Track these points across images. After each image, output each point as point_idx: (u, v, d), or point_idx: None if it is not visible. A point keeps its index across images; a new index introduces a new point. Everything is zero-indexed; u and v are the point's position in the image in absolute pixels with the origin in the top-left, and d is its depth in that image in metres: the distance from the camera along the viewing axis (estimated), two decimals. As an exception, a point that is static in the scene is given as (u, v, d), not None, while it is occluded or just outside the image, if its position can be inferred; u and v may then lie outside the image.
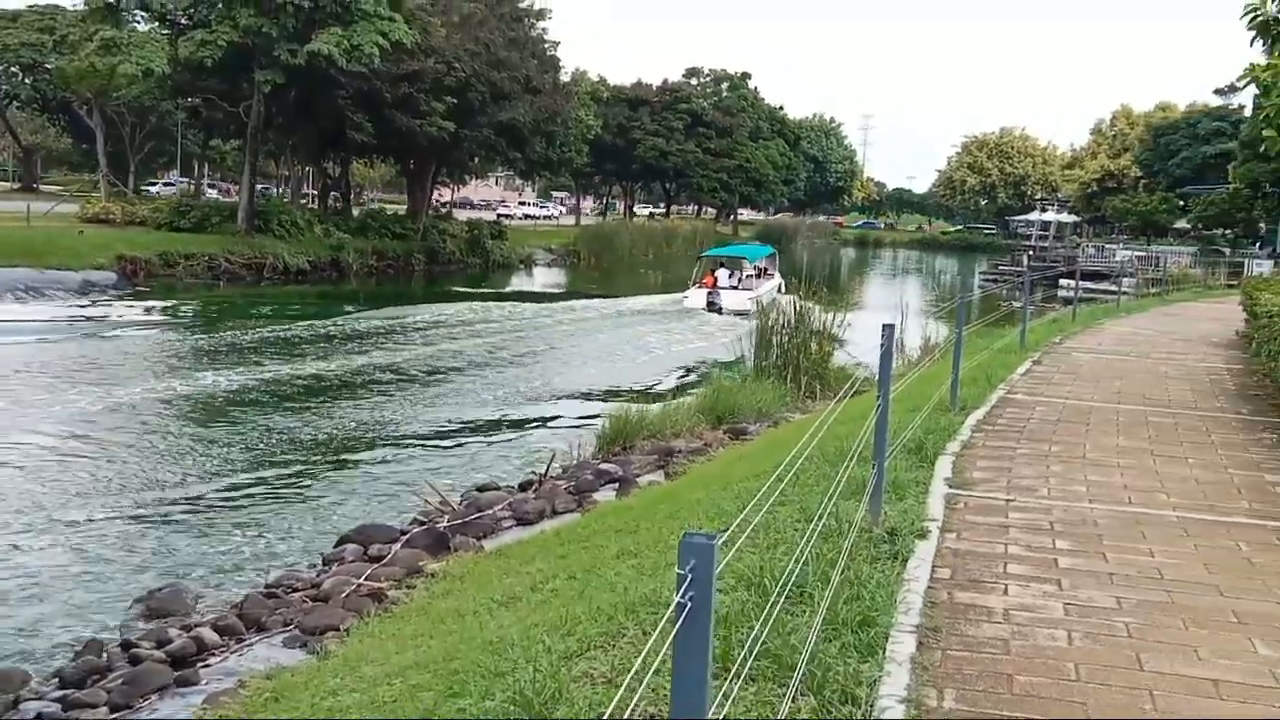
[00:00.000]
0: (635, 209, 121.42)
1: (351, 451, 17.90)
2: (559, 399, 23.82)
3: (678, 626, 2.58)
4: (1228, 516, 8.21)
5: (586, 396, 24.16)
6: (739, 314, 32.99)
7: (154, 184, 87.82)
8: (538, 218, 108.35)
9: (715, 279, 43.56)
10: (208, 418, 19.99)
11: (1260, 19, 11.37)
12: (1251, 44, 11.91)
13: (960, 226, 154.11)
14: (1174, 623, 5.86)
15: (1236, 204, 68.87)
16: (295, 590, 10.79)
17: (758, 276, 45.97)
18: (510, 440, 19.40)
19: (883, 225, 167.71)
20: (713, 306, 40.20)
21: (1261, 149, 12.15)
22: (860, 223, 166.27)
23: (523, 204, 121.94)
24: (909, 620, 5.57)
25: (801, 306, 23.18)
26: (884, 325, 7.43)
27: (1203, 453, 10.61)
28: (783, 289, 41.76)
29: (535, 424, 21.03)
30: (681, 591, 2.56)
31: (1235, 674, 5.18)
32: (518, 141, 63.37)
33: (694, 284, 44.31)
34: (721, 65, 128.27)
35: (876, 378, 7.65)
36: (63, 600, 10.97)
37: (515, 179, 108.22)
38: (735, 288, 42.81)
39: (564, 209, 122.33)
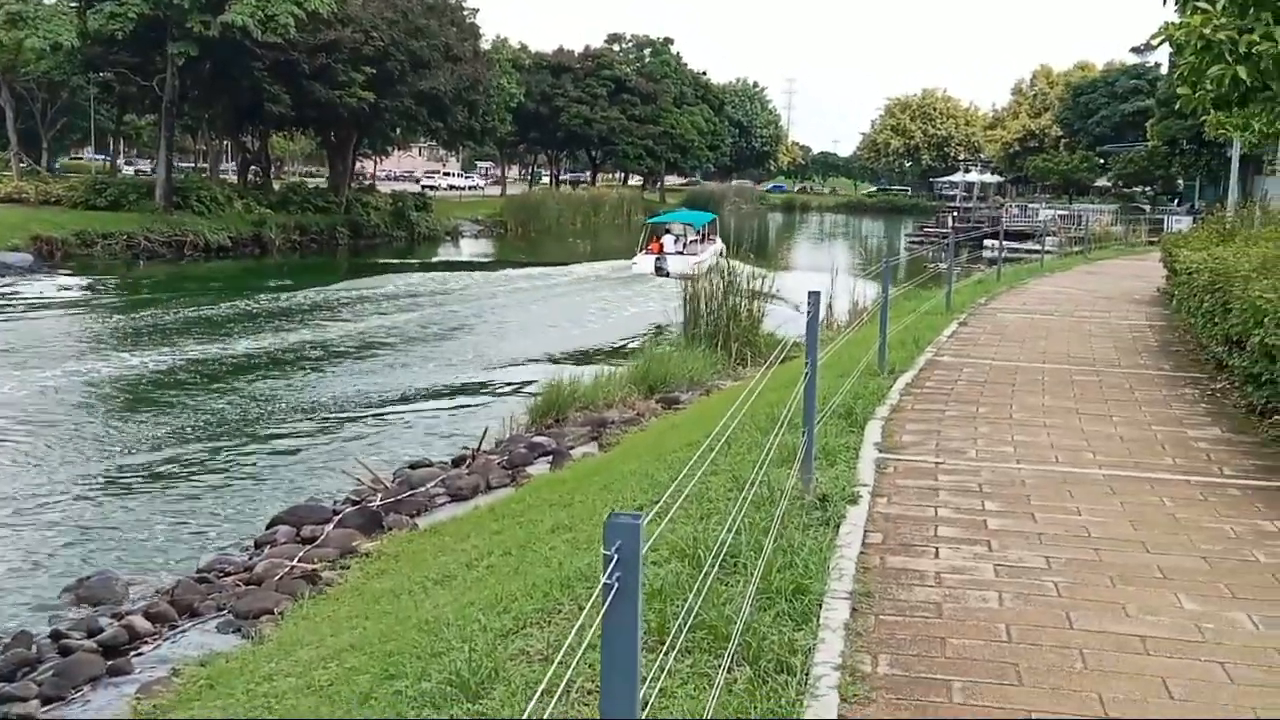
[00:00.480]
0: (561, 177, 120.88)
1: (281, 431, 17.74)
2: (493, 371, 23.77)
3: (605, 607, 2.59)
4: (1152, 473, 8.37)
5: (520, 368, 24.13)
6: (685, 277, 33.48)
7: (77, 158, 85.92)
8: (463, 189, 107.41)
9: (661, 245, 45.25)
10: (132, 400, 19.70)
11: (1174, -22, 11.50)
12: (1164, 3, 12.06)
13: (878, 188, 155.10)
14: (1102, 580, 5.98)
15: (1155, 161, 69.85)
16: (228, 574, 10.70)
17: (700, 241, 47.54)
18: (443, 415, 19.32)
19: (791, 189, 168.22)
20: (660, 271, 41.30)
21: (1177, 106, 12.32)
22: (770, 185, 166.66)
23: (447, 175, 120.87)
24: (842, 586, 5.64)
25: (730, 273, 23.24)
26: (809, 293, 7.48)
27: (1127, 410, 10.80)
28: (723, 253, 40.87)
29: (468, 398, 20.96)
30: (608, 572, 2.56)
31: (1162, 629, 5.30)
32: (439, 111, 62.81)
33: (641, 250, 45.90)
34: (644, 31, 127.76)
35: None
36: (-14, 592, 10.79)
37: (439, 150, 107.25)
38: (680, 253, 44.31)
39: (488, 180, 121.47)
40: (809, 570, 5.66)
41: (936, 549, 6.43)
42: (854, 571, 5.89)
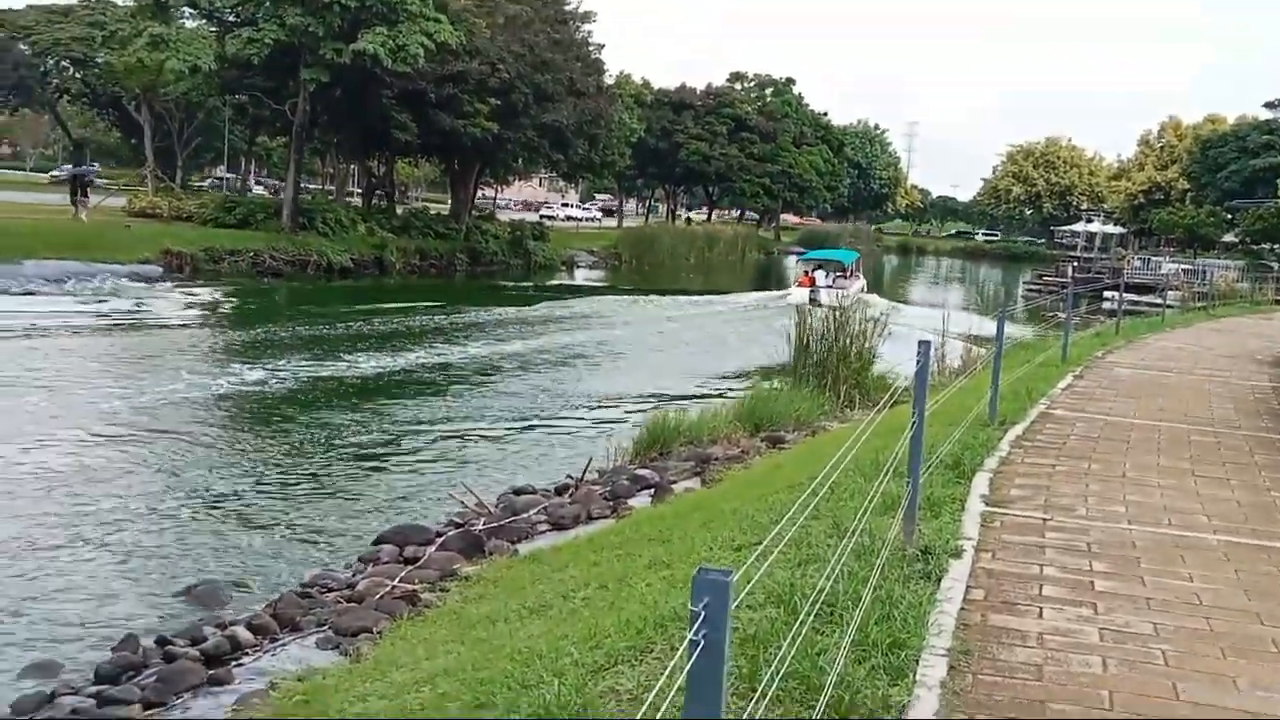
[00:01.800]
0: (678, 212, 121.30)
1: (391, 450, 17.96)
2: (603, 401, 23.82)
3: (690, 663, 2.53)
4: (1269, 541, 8.09)
5: (630, 398, 24.15)
6: (836, 307, 36.60)
7: (205, 181, 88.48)
8: (580, 220, 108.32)
9: (813, 279, 50.14)
10: (248, 414, 20.12)
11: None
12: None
13: (998, 235, 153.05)
14: (1212, 651, 5.77)
15: None
16: (330, 590, 10.83)
17: (846, 277, 51.73)
18: (549, 442, 19.41)
19: (908, 231, 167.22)
20: (814, 303, 43.06)
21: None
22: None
23: (565, 205, 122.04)
24: (940, 643, 5.51)
25: (841, 314, 23.05)
26: (919, 343, 7.36)
27: (1245, 474, 10.46)
28: (865, 288, 50.40)
29: (575, 426, 21.03)
30: (695, 629, 2.51)
31: (1274, 706, 5.09)
32: (561, 143, 63.45)
33: (795, 284, 51.74)
34: (766, 70, 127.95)
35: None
36: (101, 595, 11.06)
37: (558, 181, 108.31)
38: (831, 287, 47.38)
39: (600, 213, 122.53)
40: (907, 624, 5.55)
41: (1040, 609, 6.27)
42: (953, 628, 5.77)
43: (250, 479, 15.63)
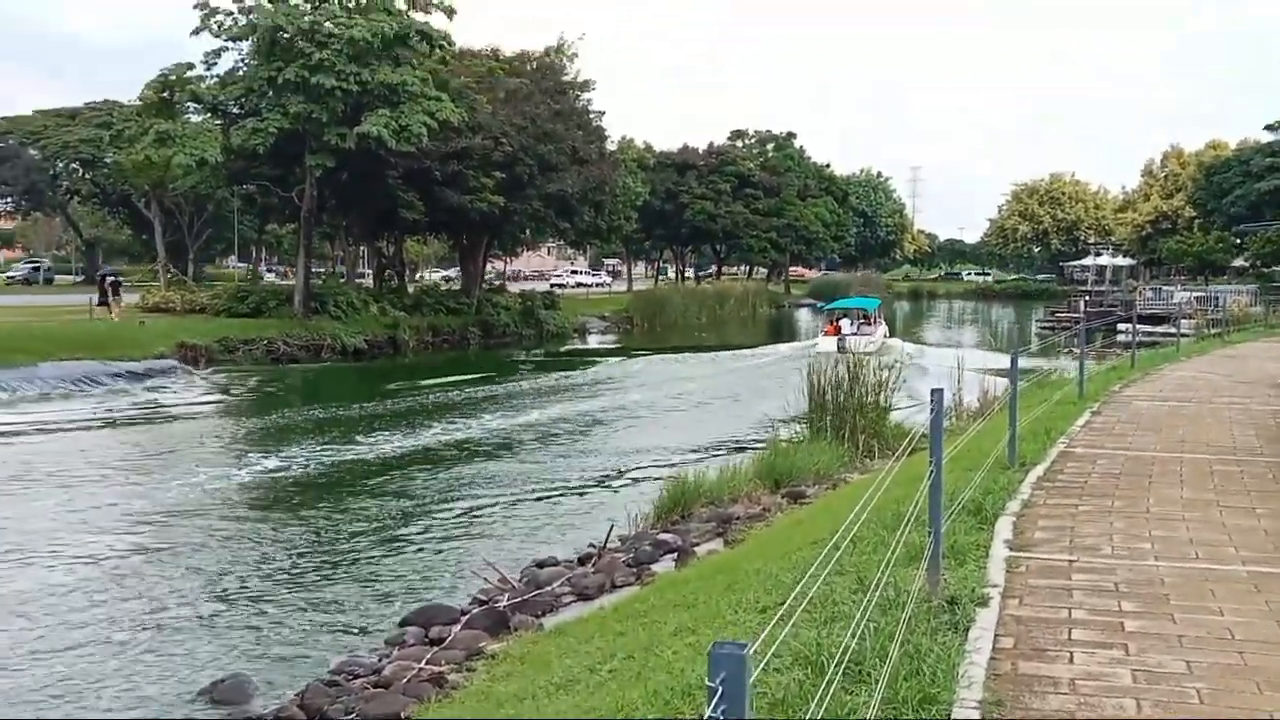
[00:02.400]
0: (686, 272, 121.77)
1: (412, 529, 17.92)
2: (621, 466, 23.77)
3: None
4: (1299, 570, 7.98)
5: (648, 463, 24.09)
6: (865, 354, 38.03)
7: (224, 268, 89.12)
8: (590, 285, 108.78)
9: (839, 327, 52.30)
10: (267, 502, 20.11)
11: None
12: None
13: (1010, 275, 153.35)
14: (1248, 687, 5.67)
15: None
16: (357, 677, 10.76)
17: (869, 324, 54.68)
18: (570, 511, 19.36)
19: (917, 276, 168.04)
20: (842, 350, 45.92)
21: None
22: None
23: (575, 273, 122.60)
24: (971, 695, 5.43)
25: (855, 363, 23.06)
26: (933, 390, 7.32)
27: (1271, 502, 10.35)
28: (887, 334, 54.40)
29: (595, 493, 20.99)
30: (713, 705, 2.46)
31: (1314, 740, 5.00)
32: (566, 212, 63.88)
33: (821, 333, 53.70)
34: (766, 126, 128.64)
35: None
36: (127, 694, 11.00)
37: (566, 248, 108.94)
38: (856, 334, 50.34)
39: (609, 277, 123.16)
40: (936, 678, 5.47)
41: (1071, 653, 6.18)
42: (984, 679, 5.68)
43: (272, 568, 15.59)
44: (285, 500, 20.19)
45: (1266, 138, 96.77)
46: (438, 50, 52.63)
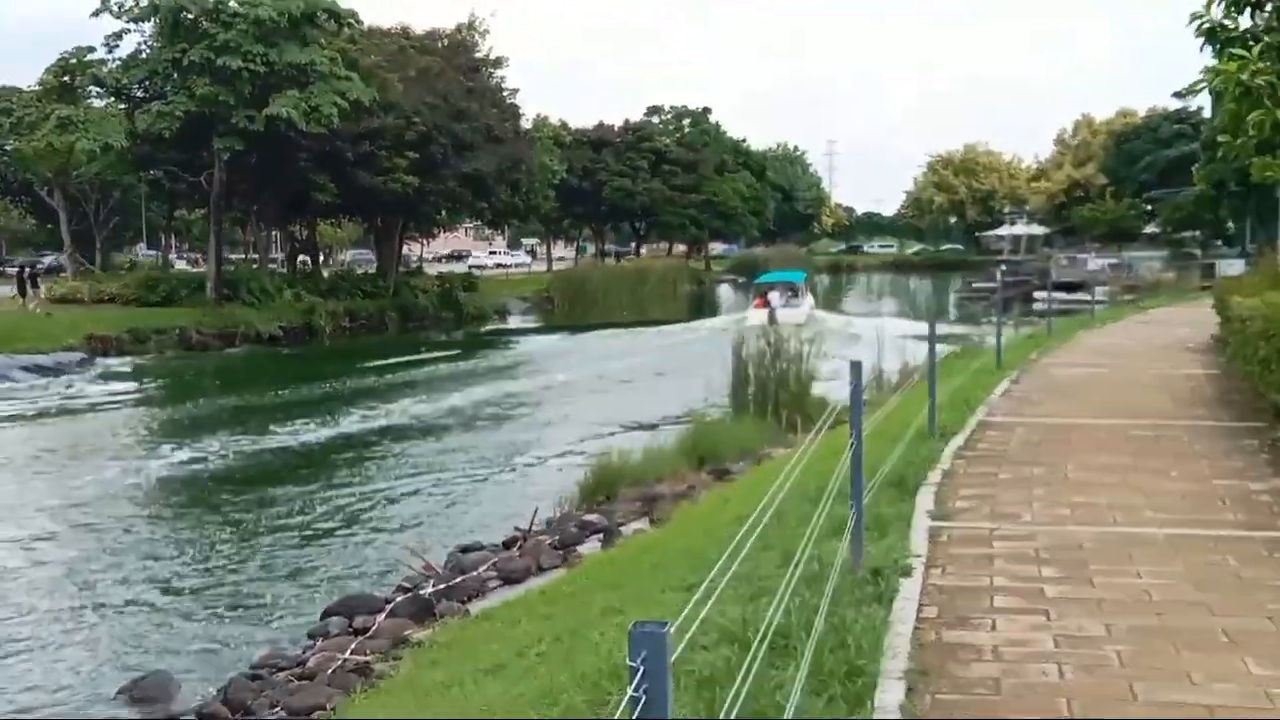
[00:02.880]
0: (606, 250, 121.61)
1: (333, 519, 17.75)
2: (544, 447, 23.74)
3: (633, 720, 2.48)
4: (1214, 530, 8.18)
5: (572, 442, 24.05)
6: (797, 326, 41.20)
7: (133, 258, 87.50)
8: (509, 266, 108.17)
9: (768, 300, 52.76)
10: (183, 495, 19.82)
11: (1207, 26, 11.44)
12: (1201, 49, 11.97)
13: (929, 247, 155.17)
14: (1166, 648, 5.80)
15: (1203, 205, 69.08)
16: (280, 670, 10.65)
17: (797, 296, 56.12)
18: (494, 495, 19.29)
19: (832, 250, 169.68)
20: (774, 322, 46.30)
21: (1219, 154, 12.22)
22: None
23: (493, 253, 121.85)
24: (897, 665, 5.50)
25: (777, 337, 23.23)
26: (851, 364, 7.39)
27: (1186, 464, 10.59)
28: (814, 307, 56.37)
29: (519, 476, 20.94)
30: (634, 685, 2.46)
31: (1231, 697, 5.13)
32: (483, 191, 63.39)
33: (752, 307, 54.53)
34: (682, 102, 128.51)
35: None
36: (42, 693, 10.80)
37: (484, 229, 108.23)
38: (786, 306, 51.89)
39: (529, 257, 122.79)
40: (862, 649, 5.54)
41: (993, 621, 6.28)
42: (909, 649, 5.76)
43: (191, 562, 15.38)
44: (201, 493, 19.91)
45: (1175, 105, 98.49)
46: (346, 29, 51.97)
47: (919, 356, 23.11)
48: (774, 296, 54.01)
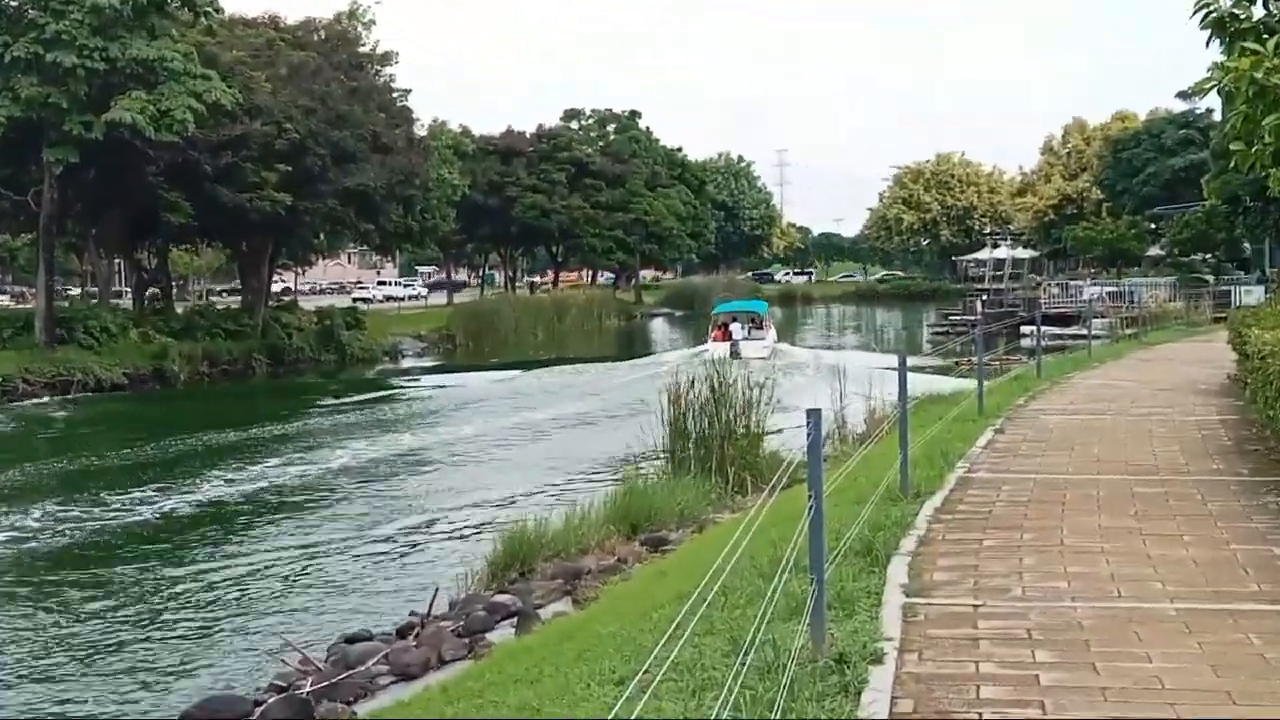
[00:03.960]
0: (520, 279, 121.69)
1: (189, 605, 17.51)
2: (446, 514, 23.62)
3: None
4: (1234, 604, 8.29)
5: (478, 507, 23.98)
6: (759, 359, 45.76)
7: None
8: (401, 299, 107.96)
9: (729, 332, 57.58)
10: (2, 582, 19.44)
11: (1214, 16, 11.68)
12: (1208, 44, 12.21)
13: (897, 272, 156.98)
14: (1181, 743, 5.86)
15: (1215, 223, 69.83)
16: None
17: (759, 328, 60.79)
18: (387, 574, 19.14)
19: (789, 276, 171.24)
20: (735, 355, 49.80)
21: (1232, 164, 12.44)
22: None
23: (382, 284, 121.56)
24: (867, 771, 5.51)
25: (720, 381, 23.29)
26: (808, 411, 7.42)
27: (1200, 527, 10.74)
28: (776, 340, 60.30)
29: (415, 550, 20.78)
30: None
31: (1256, 801, 5.19)
32: (369, 210, 63.33)
33: (710, 339, 58.28)
34: (606, 105, 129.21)
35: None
36: None
37: (371, 255, 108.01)
38: (749, 339, 56.64)
39: (426, 288, 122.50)
40: (825, 753, 5.54)
41: (979, 715, 6.31)
42: (880, 751, 5.77)
43: (16, 660, 15.07)
44: (20, 577, 19.52)
45: (1179, 106, 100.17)
46: (203, 18, 51.71)
47: (884, 405, 23.35)
48: (735, 328, 58.48)
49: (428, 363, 67.82)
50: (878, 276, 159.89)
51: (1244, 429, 16.85)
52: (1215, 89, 12.08)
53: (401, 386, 52.99)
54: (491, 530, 20.47)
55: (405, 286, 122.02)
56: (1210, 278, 72.05)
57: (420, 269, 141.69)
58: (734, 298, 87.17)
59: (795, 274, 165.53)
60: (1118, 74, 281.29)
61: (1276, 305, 22.02)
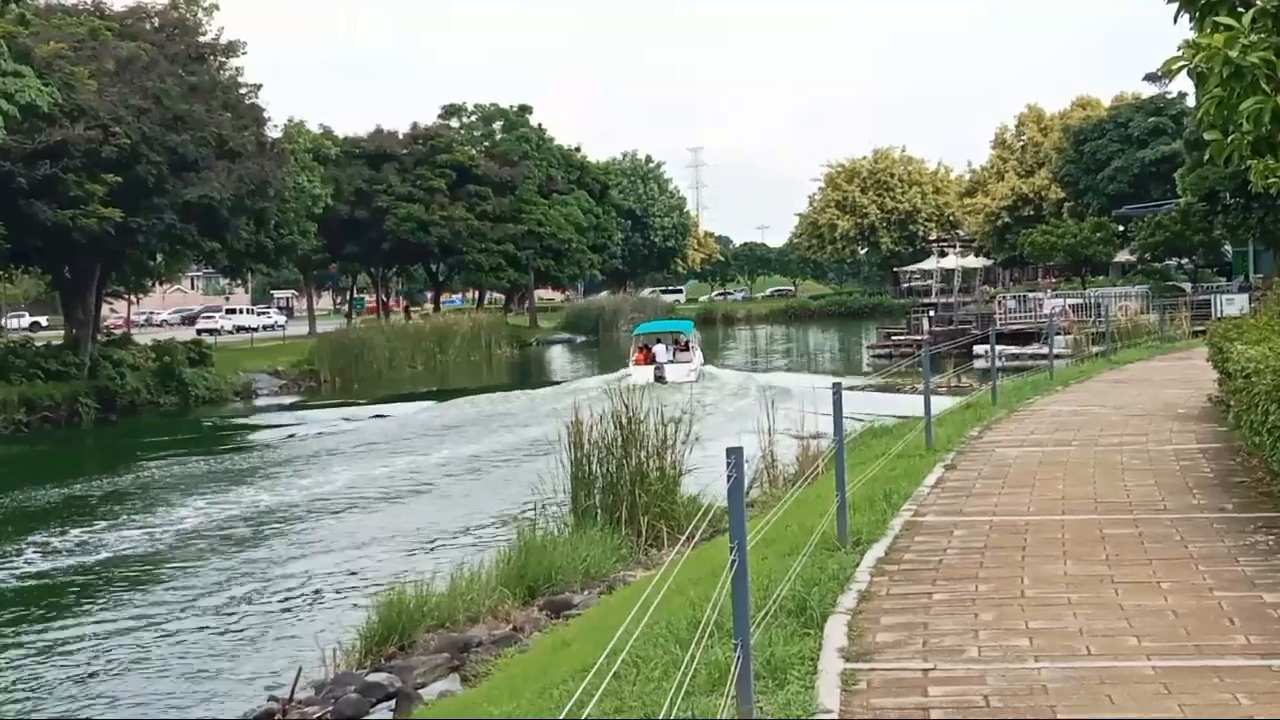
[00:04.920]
0: (395, 304, 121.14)
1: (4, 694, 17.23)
2: (311, 577, 23.46)
3: None
4: (1220, 659, 8.37)
5: (354, 571, 23.81)
6: (685, 383, 50.18)
7: None
8: (255, 329, 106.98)
9: (652, 354, 61.14)
10: None
11: (1182, -13, 11.83)
12: (1175, 19, 12.36)
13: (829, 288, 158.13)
14: (1161, 823, 5.91)
15: (1191, 224, 70.24)
16: None
17: (685, 350, 64.71)
18: (239, 651, 18.98)
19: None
20: (660, 380, 54.66)
21: (1206, 156, 12.60)
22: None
23: (232, 312, 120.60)
24: None
25: (631, 419, 23.28)
26: (728, 450, 7.43)
27: (1179, 572, 10.85)
28: (704, 362, 65.07)
29: (277, 621, 20.61)
30: None
31: None
32: (215, 226, 62.74)
33: (632, 361, 61.82)
34: (491, 100, 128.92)
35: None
36: None
37: (219, 279, 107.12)
38: (674, 361, 60.14)
39: (284, 316, 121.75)
40: None
41: (931, 797, 6.34)
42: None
43: None
44: None
45: (1148, 90, 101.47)
46: (13, 5, 51.11)
47: (819, 441, 23.44)
48: (659, 349, 62.10)
49: (287, 402, 67.29)
50: (810, 295, 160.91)
51: (1228, 458, 17.10)
52: (1185, 70, 12.19)
53: (256, 431, 52.49)
54: (365, 598, 20.33)
55: (260, 315, 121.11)
56: (1187, 286, 72.92)
57: (276, 294, 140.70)
58: (650, 318, 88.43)
59: (720, 294, 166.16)
60: (1078, 57, 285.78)
61: (1262, 316, 22.34)
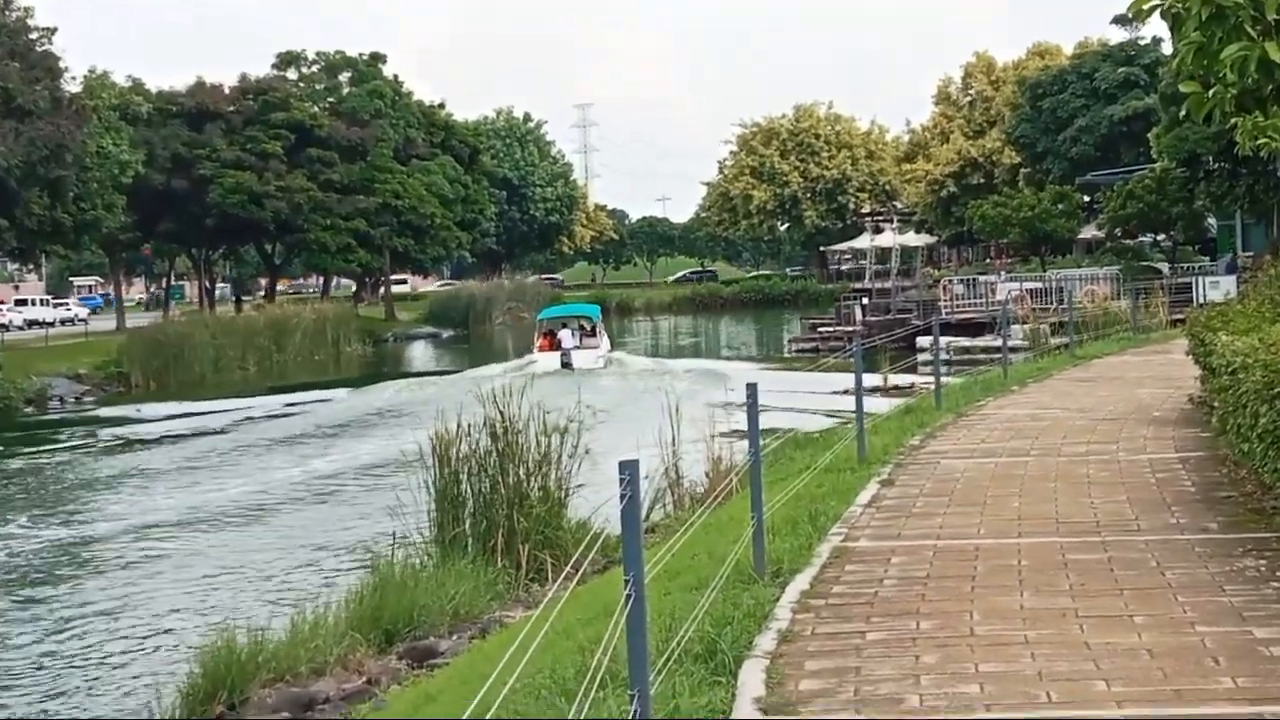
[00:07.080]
0: (221, 292, 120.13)
1: None
2: (129, 620, 23.27)
3: None
4: (1203, 706, 8.45)
5: (172, 613, 23.62)
6: (591, 370, 56.29)
7: None
8: (51, 324, 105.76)
9: (558, 340, 66.65)
10: None
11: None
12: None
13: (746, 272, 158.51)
14: None
15: (1168, 193, 70.19)
16: None
17: (592, 335, 71.08)
18: (32, 709, 18.76)
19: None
20: (567, 366, 59.79)
21: (1184, 111, 12.72)
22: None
23: (21, 303, 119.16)
24: None
25: (504, 429, 23.19)
26: (621, 464, 7.45)
27: (1155, 604, 10.95)
28: (610, 348, 71.48)
29: (81, 671, 20.46)
30: None
31: None
32: (2, 200, 62.05)
33: (536, 348, 67.74)
34: (336, 47, 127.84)
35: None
36: None
37: (6, 264, 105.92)
38: (580, 347, 65.81)
39: (85, 309, 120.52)
40: None
41: None
42: None
43: None
44: None
45: (1117, 36, 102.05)
46: None
47: (734, 452, 23.48)
48: (565, 335, 67.55)
49: (91, 411, 66.64)
50: (723, 280, 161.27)
51: (1211, 469, 17.26)
52: (1159, 11, 12.27)
53: (53, 445, 51.93)
54: (186, 646, 20.18)
55: (57, 308, 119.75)
56: (1165, 266, 73.30)
57: (77, 282, 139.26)
58: (536, 305, 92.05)
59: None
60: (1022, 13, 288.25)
61: (1251, 300, 22.55)
